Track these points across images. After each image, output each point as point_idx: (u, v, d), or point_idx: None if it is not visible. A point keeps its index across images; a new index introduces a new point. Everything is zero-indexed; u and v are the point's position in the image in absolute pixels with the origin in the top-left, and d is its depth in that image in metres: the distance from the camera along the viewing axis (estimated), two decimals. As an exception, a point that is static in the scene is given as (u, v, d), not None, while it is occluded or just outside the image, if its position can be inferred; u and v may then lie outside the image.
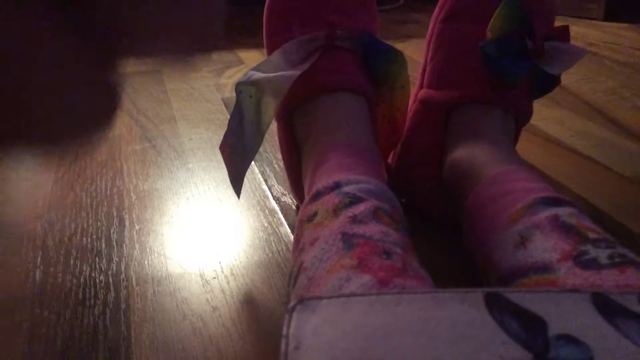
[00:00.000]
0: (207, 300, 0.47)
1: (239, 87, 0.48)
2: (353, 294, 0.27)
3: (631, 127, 0.81)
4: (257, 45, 1.22)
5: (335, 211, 0.37)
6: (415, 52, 1.15)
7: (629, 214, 0.59)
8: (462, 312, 0.26)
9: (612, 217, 0.59)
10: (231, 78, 1.04)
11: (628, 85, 0.97)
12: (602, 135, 0.78)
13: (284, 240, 0.55)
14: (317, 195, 0.41)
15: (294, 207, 0.61)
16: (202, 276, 0.50)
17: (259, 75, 0.49)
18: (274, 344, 0.42)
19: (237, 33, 1.31)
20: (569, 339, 0.24)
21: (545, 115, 0.84)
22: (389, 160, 0.62)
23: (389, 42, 0.54)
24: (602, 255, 0.33)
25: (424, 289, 0.31)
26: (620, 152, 0.73)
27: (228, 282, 0.49)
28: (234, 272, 0.51)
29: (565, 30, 0.53)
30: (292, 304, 0.26)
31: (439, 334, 0.24)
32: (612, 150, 0.74)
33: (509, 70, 0.50)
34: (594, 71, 1.04)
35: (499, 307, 0.26)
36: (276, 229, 0.57)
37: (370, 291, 0.29)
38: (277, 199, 0.62)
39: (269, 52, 0.54)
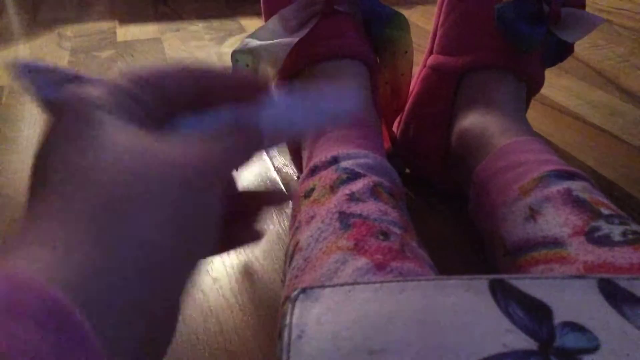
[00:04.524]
0: (207, 271, 0.47)
1: (236, 55, 0.47)
2: (356, 282, 0.27)
3: (642, 95, 0.79)
4: (260, 13, 1.20)
5: (333, 188, 0.37)
6: (421, 19, 1.12)
7: (639, 184, 0.58)
8: (466, 299, 0.25)
9: (621, 187, 0.58)
10: (233, 47, 1.01)
11: (639, 52, 0.95)
12: (612, 104, 0.76)
13: (285, 212, 0.54)
14: (315, 170, 0.40)
15: (295, 178, 0.60)
16: (201, 248, 0.49)
17: (255, 42, 0.47)
18: (274, 315, 0.42)
19: (239, 0, 1.28)
20: (575, 327, 0.24)
21: (553, 83, 0.82)
22: (394, 129, 0.60)
23: (393, 8, 0.52)
24: (616, 231, 0.32)
25: (428, 276, 0.31)
26: (630, 121, 0.72)
27: (228, 254, 0.49)
28: (234, 244, 0.50)
29: None
30: (294, 292, 0.26)
31: (443, 321, 0.24)
32: (622, 119, 0.72)
33: (524, 34, 0.48)
34: (604, 38, 1.01)
35: (503, 294, 0.26)
36: (277, 201, 0.56)
37: (366, 275, 0.29)
38: (278, 170, 0.62)
39: (267, 18, 0.52)
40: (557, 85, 0.82)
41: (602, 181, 0.59)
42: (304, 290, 0.26)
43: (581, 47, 0.95)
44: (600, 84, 0.83)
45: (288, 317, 0.25)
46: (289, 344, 0.24)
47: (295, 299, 0.26)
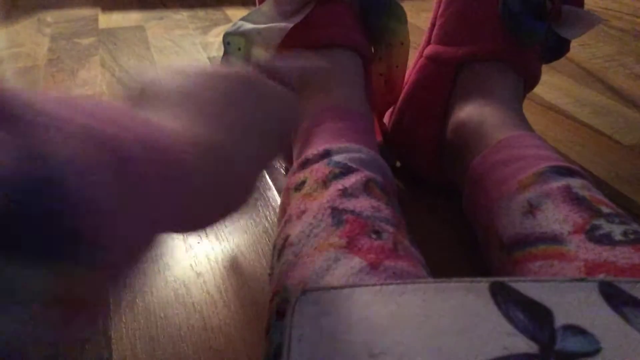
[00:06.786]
0: (191, 266, 0.45)
1: (227, 37, 0.46)
2: (356, 285, 0.27)
3: (630, 95, 0.79)
4: (246, 3, 1.19)
5: (325, 182, 0.36)
6: (408, 14, 1.11)
7: (628, 183, 0.58)
8: (466, 302, 0.26)
9: (611, 185, 0.58)
10: (218, 37, 1.00)
11: (627, 52, 0.95)
12: (601, 102, 0.76)
13: (271, 205, 0.53)
14: (306, 163, 0.39)
15: (282, 171, 0.58)
16: (185, 241, 0.48)
17: (249, 25, 0.46)
18: (260, 311, 0.41)
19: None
20: (576, 330, 0.24)
21: (543, 81, 0.81)
22: (385, 121, 0.59)
23: None
24: (616, 231, 0.32)
25: (421, 275, 0.31)
26: (619, 120, 0.72)
27: (213, 248, 0.47)
28: (219, 237, 0.49)
29: None
30: (295, 295, 0.26)
31: (443, 325, 0.24)
32: (611, 118, 0.72)
33: (529, 27, 0.48)
34: (593, 37, 1.01)
35: (504, 297, 0.26)
36: (263, 193, 0.55)
37: (359, 274, 0.29)
38: (265, 162, 0.60)
39: (261, 1, 0.51)
40: (546, 83, 0.82)
41: (591, 179, 0.59)
42: (304, 293, 0.26)
43: (571, 45, 0.95)
44: (588, 82, 0.83)
45: (288, 320, 0.25)
46: (289, 347, 0.24)
47: (296, 301, 0.26)
